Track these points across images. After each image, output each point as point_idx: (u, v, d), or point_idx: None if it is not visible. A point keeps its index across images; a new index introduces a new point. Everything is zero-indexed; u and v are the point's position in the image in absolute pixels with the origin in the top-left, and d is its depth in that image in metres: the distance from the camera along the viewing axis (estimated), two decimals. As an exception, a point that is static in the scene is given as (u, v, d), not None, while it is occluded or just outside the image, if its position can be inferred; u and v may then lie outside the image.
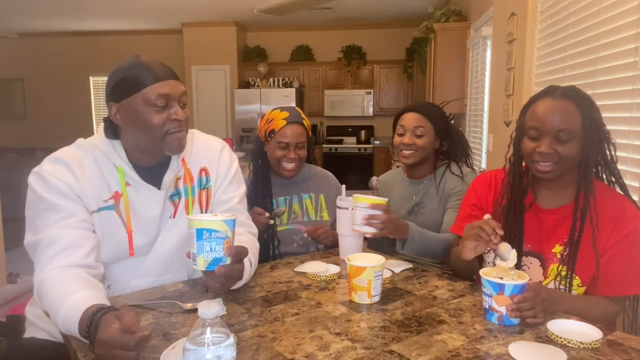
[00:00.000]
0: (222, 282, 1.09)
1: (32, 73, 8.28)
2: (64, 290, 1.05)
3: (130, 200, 1.26)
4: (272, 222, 1.74)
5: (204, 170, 1.38)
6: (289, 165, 1.80)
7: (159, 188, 1.29)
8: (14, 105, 8.44)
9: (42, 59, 8.18)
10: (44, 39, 8.09)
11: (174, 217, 1.33)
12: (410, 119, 1.82)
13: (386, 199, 1.47)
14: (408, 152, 1.81)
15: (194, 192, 1.36)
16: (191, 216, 1.09)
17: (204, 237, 1.01)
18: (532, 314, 1.06)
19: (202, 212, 1.37)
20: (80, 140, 1.29)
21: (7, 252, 2.99)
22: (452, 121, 1.95)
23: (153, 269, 1.32)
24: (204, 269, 1.04)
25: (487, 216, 1.25)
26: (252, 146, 1.91)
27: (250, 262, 1.27)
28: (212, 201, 1.39)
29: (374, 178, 2.04)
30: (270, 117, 1.83)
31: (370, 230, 1.44)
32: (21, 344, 1.31)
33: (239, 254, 1.09)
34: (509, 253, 1.15)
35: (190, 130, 1.36)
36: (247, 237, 1.37)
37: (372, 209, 1.43)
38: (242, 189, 1.46)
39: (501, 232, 1.18)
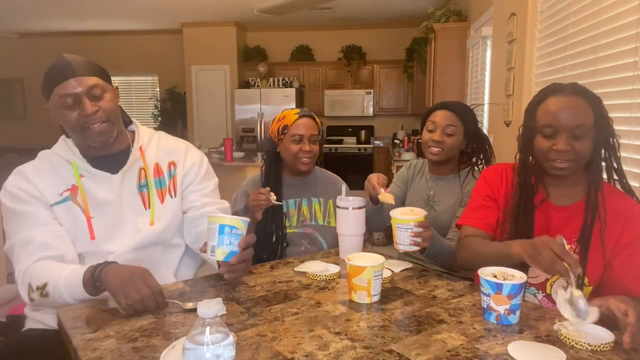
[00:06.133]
0: (241, 269, 1.22)
1: (32, 73, 8.21)
2: (59, 266, 1.22)
3: (87, 189, 1.36)
4: (278, 202, 1.67)
5: (172, 163, 1.48)
6: (305, 159, 1.80)
7: (114, 173, 1.38)
8: (14, 105, 8.44)
9: (42, 59, 8.11)
10: (44, 39, 8.09)
11: (148, 208, 1.42)
12: (442, 117, 1.81)
13: (424, 213, 1.44)
14: (436, 149, 1.81)
15: (165, 184, 1.46)
16: (214, 214, 1.24)
17: (225, 232, 1.16)
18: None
19: (172, 197, 1.45)
20: (41, 152, 1.43)
21: (7, 252, 2.98)
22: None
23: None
24: (222, 260, 1.18)
25: (559, 239, 1.09)
26: (266, 147, 1.92)
27: None
28: (187, 190, 1.49)
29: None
30: (282, 115, 1.85)
31: (416, 249, 1.42)
32: (19, 335, 1.37)
33: (247, 244, 1.20)
34: (587, 311, 0.99)
35: (157, 132, 1.53)
36: (214, 210, 1.47)
37: (417, 227, 1.40)
38: (215, 180, 1.58)
39: (579, 271, 1.04)
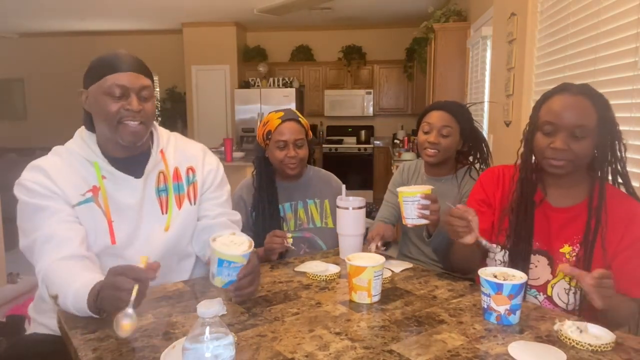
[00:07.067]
0: (247, 293, 1.19)
1: (32, 73, 8.27)
2: (70, 273, 1.14)
3: (109, 191, 1.32)
4: (292, 247, 1.64)
5: (190, 169, 1.46)
6: (292, 165, 1.78)
7: (137, 177, 1.35)
8: (14, 105, 8.43)
9: (42, 59, 8.17)
10: (44, 39, 8.08)
11: (165, 213, 1.38)
12: (437, 117, 1.79)
13: (431, 187, 1.48)
14: (432, 151, 1.79)
15: (183, 189, 1.43)
16: (216, 245, 1.16)
17: (224, 266, 1.16)
18: (609, 293, 1.04)
19: (191, 205, 1.43)
20: (55, 148, 1.37)
21: (7, 252, 2.98)
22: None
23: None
24: (220, 287, 1.18)
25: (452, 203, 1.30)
26: (255, 153, 1.89)
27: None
28: (202, 197, 1.46)
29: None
30: (266, 120, 1.82)
31: (424, 222, 1.45)
32: (24, 339, 1.36)
33: (246, 274, 1.17)
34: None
35: (173, 134, 1.49)
36: (227, 221, 1.47)
37: (424, 199, 1.43)
38: (228, 188, 1.57)
39: (470, 217, 1.23)
